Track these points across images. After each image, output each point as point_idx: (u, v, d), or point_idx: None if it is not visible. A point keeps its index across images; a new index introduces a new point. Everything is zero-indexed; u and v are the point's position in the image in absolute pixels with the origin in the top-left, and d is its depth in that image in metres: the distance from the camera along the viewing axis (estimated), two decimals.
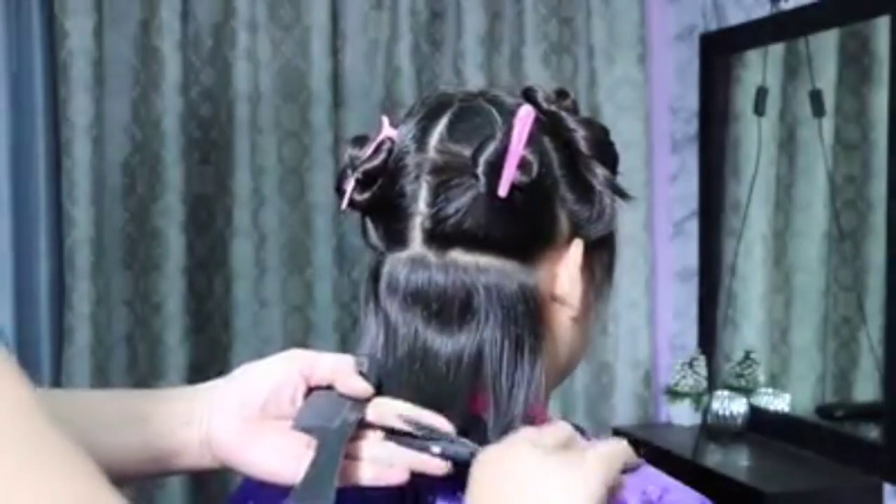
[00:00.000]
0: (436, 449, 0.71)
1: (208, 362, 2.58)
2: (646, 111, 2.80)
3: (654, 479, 0.75)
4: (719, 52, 2.70)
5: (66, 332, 2.41)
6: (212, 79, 2.58)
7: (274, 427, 0.73)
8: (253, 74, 2.55)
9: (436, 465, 0.71)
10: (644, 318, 2.80)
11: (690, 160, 2.83)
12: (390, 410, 0.73)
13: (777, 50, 2.57)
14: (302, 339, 2.60)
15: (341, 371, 0.74)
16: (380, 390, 0.75)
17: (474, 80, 2.61)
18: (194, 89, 2.56)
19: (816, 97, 2.42)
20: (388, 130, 0.77)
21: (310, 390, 0.75)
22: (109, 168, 2.49)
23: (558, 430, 0.68)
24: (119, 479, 0.61)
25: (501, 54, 2.71)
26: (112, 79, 2.49)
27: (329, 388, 0.74)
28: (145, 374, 2.52)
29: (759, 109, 2.54)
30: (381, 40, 2.64)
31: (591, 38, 2.76)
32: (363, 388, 0.74)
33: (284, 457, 0.72)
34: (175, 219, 2.50)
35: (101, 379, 2.44)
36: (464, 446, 0.71)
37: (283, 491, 0.70)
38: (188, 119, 2.54)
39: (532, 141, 0.73)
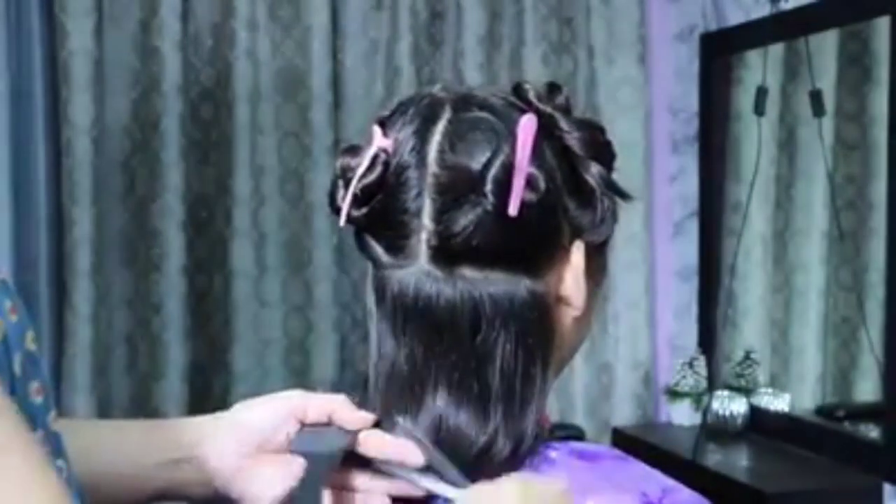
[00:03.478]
0: (424, 483, 0.73)
1: (208, 362, 2.57)
2: (646, 111, 2.80)
3: (654, 479, 0.74)
4: (719, 52, 2.70)
5: (66, 332, 2.41)
6: (212, 79, 2.58)
7: (268, 459, 0.77)
8: (253, 74, 2.55)
9: (413, 490, 0.74)
10: (644, 318, 2.80)
11: (690, 160, 2.83)
12: (376, 444, 0.75)
13: (777, 50, 2.57)
14: (302, 339, 2.59)
15: (336, 406, 0.76)
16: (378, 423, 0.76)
17: (474, 80, 2.60)
18: (194, 89, 2.56)
19: (816, 97, 2.41)
20: (380, 141, 0.75)
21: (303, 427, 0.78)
22: (109, 168, 2.49)
23: (550, 485, 0.69)
24: None
25: (501, 54, 2.71)
26: (112, 79, 2.49)
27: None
28: (145, 374, 2.52)
29: (759, 109, 2.54)
30: (381, 40, 2.64)
31: (591, 38, 2.76)
32: (359, 417, 0.76)
33: (278, 485, 0.76)
34: (175, 219, 2.50)
35: (101, 379, 2.44)
36: (451, 485, 0.71)
37: None
38: (188, 119, 2.53)
39: (535, 152, 0.72)
